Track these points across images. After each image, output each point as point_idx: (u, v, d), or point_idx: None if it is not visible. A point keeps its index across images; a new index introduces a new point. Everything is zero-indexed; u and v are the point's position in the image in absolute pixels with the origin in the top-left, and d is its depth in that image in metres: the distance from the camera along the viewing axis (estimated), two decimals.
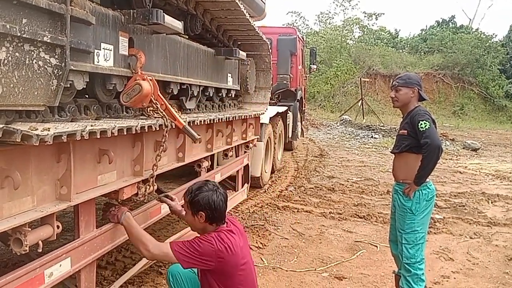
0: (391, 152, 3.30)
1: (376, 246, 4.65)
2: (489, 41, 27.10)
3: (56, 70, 1.86)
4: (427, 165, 2.93)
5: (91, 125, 1.92)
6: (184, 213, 2.61)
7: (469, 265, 4.28)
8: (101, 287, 2.85)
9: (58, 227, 1.94)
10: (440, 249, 4.64)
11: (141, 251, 2.32)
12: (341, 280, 3.83)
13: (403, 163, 3.13)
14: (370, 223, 5.45)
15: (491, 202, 6.74)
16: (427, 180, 3.04)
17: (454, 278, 3.97)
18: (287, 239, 4.80)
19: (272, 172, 8.05)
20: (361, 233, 5.09)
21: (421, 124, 2.92)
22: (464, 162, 10.86)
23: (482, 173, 9.36)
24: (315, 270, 4.02)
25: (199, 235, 2.44)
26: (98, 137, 1.93)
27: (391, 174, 3.35)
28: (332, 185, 7.45)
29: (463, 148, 13.05)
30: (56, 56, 1.86)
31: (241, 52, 4.02)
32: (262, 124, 6.48)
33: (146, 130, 2.38)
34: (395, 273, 3.39)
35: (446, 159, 11.03)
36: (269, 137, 7.40)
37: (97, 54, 2.18)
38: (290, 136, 9.82)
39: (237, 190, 5.18)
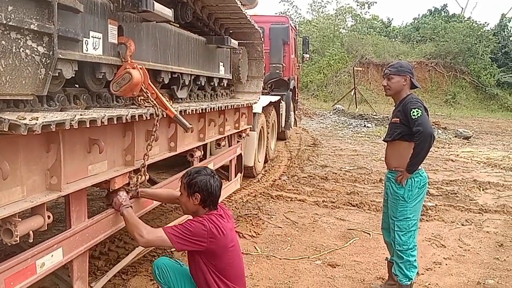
0: (383, 140, 3.31)
1: (369, 234, 4.68)
2: (481, 30, 27.14)
3: (44, 58, 1.83)
4: (419, 152, 2.93)
5: (81, 114, 1.90)
6: (179, 194, 2.61)
7: (460, 251, 4.33)
8: (95, 277, 2.84)
9: (49, 217, 1.93)
10: (432, 236, 4.69)
11: (136, 238, 2.36)
12: (334, 267, 3.85)
13: (396, 151, 3.14)
14: (363, 211, 5.48)
15: (483, 190, 6.80)
16: (419, 167, 3.06)
17: (446, 264, 4.02)
18: (280, 227, 4.82)
19: (266, 161, 8.05)
20: (354, 221, 5.12)
21: (413, 112, 2.93)
22: (456, 150, 10.94)
23: (474, 161, 9.43)
24: (308, 258, 4.05)
25: (190, 218, 2.48)
26: (88, 126, 1.90)
27: (384, 162, 3.36)
28: (325, 174, 7.47)
29: (455, 136, 13.13)
30: (44, 45, 1.82)
31: (232, 40, 3.99)
32: (255, 113, 6.46)
33: (137, 119, 2.36)
34: (387, 260, 3.42)
35: (438, 148, 11.10)
36: (262, 126, 7.38)
37: (85, 43, 2.14)
38: (283, 125, 9.80)
39: (230, 180, 5.18)
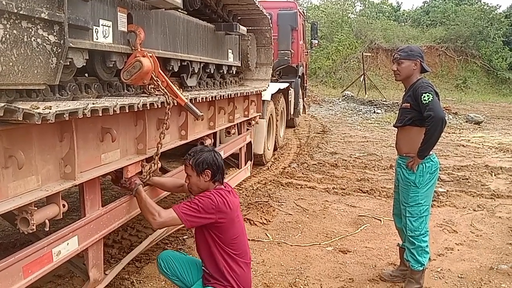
0: (394, 126, 3.28)
1: (380, 220, 4.68)
2: (493, 13, 26.64)
3: (55, 47, 1.84)
4: (431, 137, 2.91)
5: (93, 103, 1.90)
6: (187, 177, 2.61)
7: (472, 237, 4.31)
8: (109, 265, 2.88)
9: (64, 206, 1.95)
10: (444, 222, 4.67)
11: (149, 220, 2.42)
12: (346, 253, 3.86)
13: (406, 136, 3.12)
14: (374, 198, 5.47)
15: (494, 175, 6.74)
16: (431, 153, 3.03)
17: (458, 250, 4.00)
18: (291, 214, 4.83)
19: (275, 149, 8.05)
20: (365, 207, 5.11)
21: (424, 96, 2.89)
22: (467, 135, 10.83)
23: (485, 146, 9.34)
24: (319, 244, 4.06)
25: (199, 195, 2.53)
26: (100, 115, 1.91)
27: (394, 148, 3.34)
28: (335, 161, 7.45)
29: (466, 121, 13.00)
30: (55, 33, 1.82)
31: (241, 27, 3.96)
32: (264, 101, 6.44)
33: (148, 108, 2.36)
34: (399, 246, 3.42)
35: (449, 133, 11.00)
36: (271, 114, 7.36)
37: (95, 31, 2.14)
38: (292, 113, 9.78)
39: (240, 168, 5.19)
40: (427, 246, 3.13)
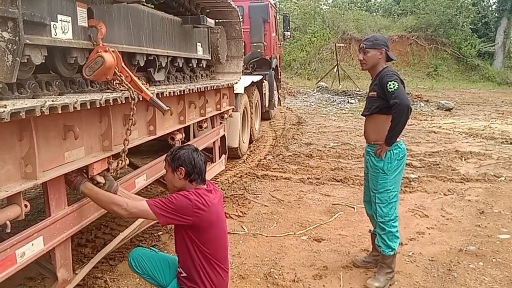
0: (362, 114, 3.32)
1: (353, 208, 4.75)
2: (461, 1, 27.15)
3: (10, 44, 1.79)
4: (397, 125, 2.96)
5: (52, 100, 1.86)
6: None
7: (443, 220, 4.42)
8: (81, 265, 2.83)
9: (26, 206, 1.90)
10: (416, 207, 4.78)
11: (117, 212, 2.30)
12: (320, 242, 3.91)
13: (374, 124, 3.16)
14: (347, 186, 5.55)
15: (464, 159, 6.92)
16: (398, 139, 3.09)
17: (429, 233, 4.10)
18: (266, 206, 4.86)
19: (251, 142, 8.07)
20: (339, 196, 5.18)
21: (390, 84, 2.94)
22: (438, 122, 11.07)
23: (456, 131, 9.57)
24: (294, 234, 4.10)
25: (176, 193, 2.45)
26: (60, 112, 1.87)
27: None
28: (310, 151, 7.51)
29: (437, 108, 13.26)
30: (9, 30, 1.78)
31: (209, 19, 3.92)
32: (237, 94, 6.43)
33: (112, 104, 2.32)
34: (371, 232, 3.48)
35: (421, 120, 11.23)
36: (245, 107, 7.36)
37: (54, 27, 2.09)
38: (267, 105, 9.79)
39: (215, 162, 5.17)
40: (397, 231, 3.20)
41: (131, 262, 2.61)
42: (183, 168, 2.41)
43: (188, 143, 4.23)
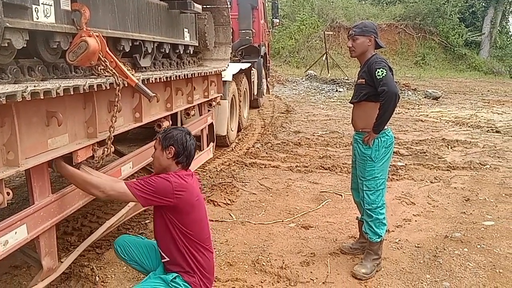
0: (350, 102, 3.31)
1: (341, 195, 4.77)
2: None
3: None
4: (385, 112, 2.95)
5: (34, 86, 1.81)
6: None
7: (429, 207, 4.47)
8: (67, 253, 2.81)
9: (8, 193, 1.86)
10: (402, 195, 4.82)
11: (95, 194, 2.26)
12: (308, 229, 3.93)
13: (362, 112, 3.16)
14: (335, 174, 5.57)
15: (451, 148, 6.99)
16: (386, 127, 3.09)
17: (416, 221, 4.15)
18: (255, 194, 4.86)
19: (239, 130, 8.04)
20: (327, 183, 5.20)
21: (378, 72, 2.93)
22: (425, 110, 11.15)
23: (443, 120, 9.65)
24: (282, 221, 4.11)
25: (155, 174, 2.45)
26: (42, 98, 1.82)
27: None
28: (298, 139, 7.52)
29: (425, 97, 13.35)
30: None
31: (196, 5, 3.85)
32: (225, 81, 6.38)
33: (96, 90, 2.27)
34: (358, 219, 3.50)
35: (408, 109, 11.30)
36: (233, 95, 7.31)
37: (35, 10, 2.03)
38: (255, 93, 9.74)
39: (203, 150, 5.14)
40: (384, 218, 3.22)
41: (117, 249, 2.58)
42: (173, 148, 2.40)
43: (182, 126, 4.21)
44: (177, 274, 2.38)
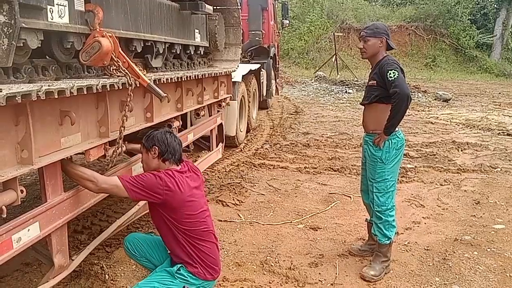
0: (360, 103, 3.31)
1: (350, 197, 4.76)
2: None
3: (6, 28, 1.76)
4: (397, 114, 2.94)
5: (48, 85, 1.84)
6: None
7: (439, 210, 4.44)
8: (78, 251, 2.83)
9: (22, 191, 1.89)
10: (412, 197, 4.79)
11: (88, 187, 2.32)
12: (316, 230, 3.93)
13: (373, 113, 3.15)
14: (344, 175, 5.55)
15: (461, 150, 6.94)
16: (397, 129, 3.08)
17: (425, 223, 4.12)
18: (263, 195, 4.87)
19: (248, 131, 8.04)
20: (335, 185, 5.19)
21: (390, 73, 2.92)
22: (435, 113, 11.07)
23: (453, 122, 9.58)
24: (291, 222, 4.11)
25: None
26: (56, 97, 1.85)
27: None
28: (307, 141, 7.51)
29: (435, 99, 13.26)
30: (4, 13, 1.75)
31: (207, 6, 3.87)
32: (235, 82, 6.39)
33: (109, 89, 2.29)
34: (367, 221, 3.49)
35: (418, 111, 11.23)
36: (242, 95, 7.33)
37: (50, 11, 2.06)
38: (264, 94, 9.75)
39: (212, 150, 5.16)
40: (393, 220, 3.21)
41: (127, 246, 2.64)
42: (157, 148, 2.50)
43: (185, 131, 4.23)
44: (181, 265, 2.46)
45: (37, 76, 2.13)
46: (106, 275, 3.07)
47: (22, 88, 1.70)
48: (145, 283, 2.38)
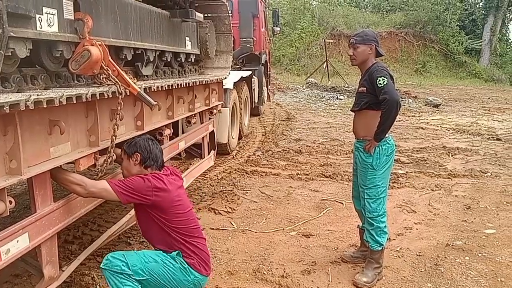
0: (351, 110, 3.32)
1: (342, 203, 4.77)
2: None
3: None
4: (386, 120, 2.96)
5: (37, 95, 1.82)
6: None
7: (430, 216, 4.46)
8: (68, 262, 2.80)
9: (10, 202, 1.87)
10: (403, 203, 4.81)
11: (77, 191, 2.32)
12: (309, 237, 3.92)
13: (363, 120, 3.17)
14: (336, 182, 5.56)
15: (452, 155, 6.99)
16: (387, 135, 3.09)
17: (417, 229, 4.14)
18: (255, 202, 4.85)
19: (240, 138, 8.04)
20: (328, 191, 5.19)
21: (379, 80, 2.94)
22: (426, 118, 11.16)
23: (443, 128, 9.66)
24: (283, 230, 4.10)
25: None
26: (45, 106, 1.83)
27: None
28: (299, 147, 7.52)
29: (425, 104, 13.38)
30: None
31: (198, 13, 3.88)
32: (226, 89, 6.40)
33: (98, 98, 2.28)
34: (359, 227, 3.49)
35: (409, 116, 11.31)
36: (234, 102, 7.33)
37: (39, 19, 2.05)
38: (256, 101, 9.76)
39: (204, 157, 5.15)
40: (385, 226, 3.21)
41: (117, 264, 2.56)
42: (139, 154, 2.53)
43: (176, 139, 4.22)
44: (178, 251, 2.52)
45: (26, 85, 2.11)
46: (97, 286, 3.04)
47: (11, 98, 1.68)
48: (150, 253, 2.47)
